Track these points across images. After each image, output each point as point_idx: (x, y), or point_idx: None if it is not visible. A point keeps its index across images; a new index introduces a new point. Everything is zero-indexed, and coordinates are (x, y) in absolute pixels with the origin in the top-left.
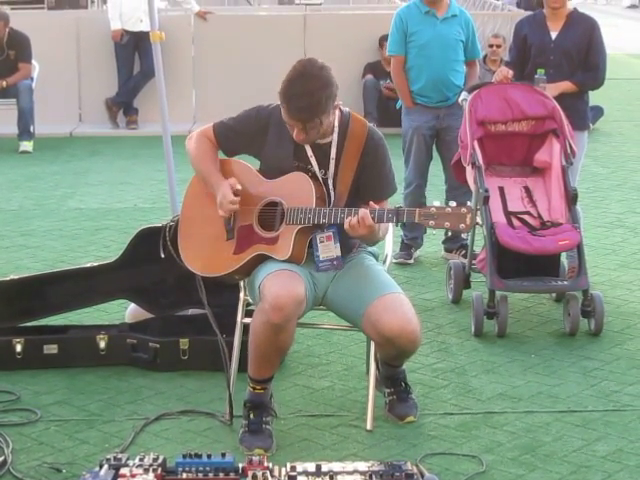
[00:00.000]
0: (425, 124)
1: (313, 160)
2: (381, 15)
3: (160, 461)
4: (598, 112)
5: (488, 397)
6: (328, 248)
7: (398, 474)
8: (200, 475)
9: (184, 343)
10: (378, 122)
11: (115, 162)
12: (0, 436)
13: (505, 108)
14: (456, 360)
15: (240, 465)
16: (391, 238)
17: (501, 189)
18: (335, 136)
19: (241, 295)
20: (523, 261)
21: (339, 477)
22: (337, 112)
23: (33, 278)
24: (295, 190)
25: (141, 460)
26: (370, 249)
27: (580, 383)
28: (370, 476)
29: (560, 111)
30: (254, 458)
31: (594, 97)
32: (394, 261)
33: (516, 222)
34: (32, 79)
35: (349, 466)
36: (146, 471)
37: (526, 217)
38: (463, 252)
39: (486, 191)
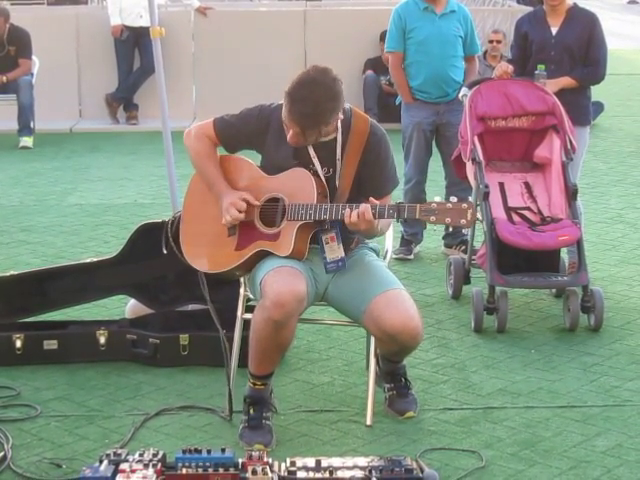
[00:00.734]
0: (425, 120)
1: (316, 160)
2: (381, 10)
3: (160, 456)
4: (598, 107)
5: (488, 392)
6: (333, 249)
7: (398, 469)
8: (200, 470)
9: (184, 339)
10: (378, 118)
11: (115, 158)
12: (0, 432)
13: (505, 104)
14: (456, 355)
15: (240, 460)
16: (391, 234)
17: (501, 185)
18: (339, 134)
19: (241, 290)
20: (523, 257)
21: (339, 472)
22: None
23: (33, 274)
24: (296, 186)
25: (141, 455)
26: (371, 245)
27: (580, 378)
28: (370, 471)
29: (560, 107)
30: (254, 453)
31: (594, 92)
32: (394, 257)
33: (516, 218)
34: (32, 75)
35: (349, 461)
36: (146, 466)
37: (526, 213)
38: (463, 248)
39: (486, 187)
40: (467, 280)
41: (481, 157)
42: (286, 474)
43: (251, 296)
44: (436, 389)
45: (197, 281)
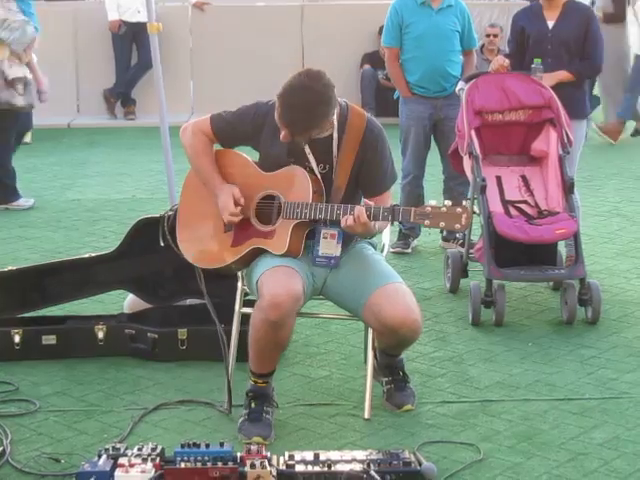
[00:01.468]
0: (423, 114)
1: (311, 157)
2: (379, 5)
3: (158, 451)
4: (595, 101)
5: (486, 385)
6: (330, 245)
7: (396, 462)
8: (198, 464)
9: (182, 333)
10: (376, 112)
11: (113, 153)
12: None
13: (502, 98)
14: (454, 349)
15: (238, 454)
16: (388, 228)
17: (498, 178)
18: (335, 130)
19: (239, 285)
20: (520, 250)
21: (337, 466)
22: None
23: (31, 269)
24: (292, 184)
25: (140, 450)
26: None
27: (577, 371)
28: (368, 464)
29: (557, 100)
30: (252, 447)
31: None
32: (392, 251)
33: (513, 211)
34: None
35: (347, 454)
36: (145, 461)
37: (523, 206)
38: (461, 241)
39: (483, 180)
40: (465, 274)
41: (478, 151)
42: (284, 467)
43: (248, 291)
44: (434, 382)
45: (195, 276)
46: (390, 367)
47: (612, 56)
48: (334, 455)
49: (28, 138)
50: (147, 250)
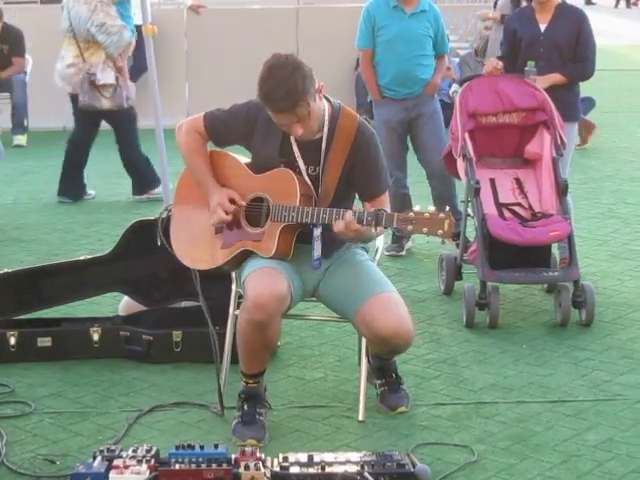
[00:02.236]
0: (393, 117)
1: (300, 160)
2: None
3: (153, 452)
4: (590, 103)
5: (480, 387)
6: (318, 248)
7: (390, 464)
8: (193, 466)
9: (177, 335)
10: (370, 114)
11: (109, 155)
12: None
13: (496, 100)
14: (448, 351)
15: (233, 456)
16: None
17: (492, 181)
18: (325, 131)
19: (233, 287)
20: (514, 252)
21: (331, 467)
22: (327, 106)
23: (27, 271)
24: (280, 186)
25: (134, 451)
26: (361, 244)
27: (571, 373)
28: (362, 466)
29: (550, 103)
30: (247, 449)
31: (585, 88)
32: (386, 253)
33: (507, 213)
34: (25, 73)
35: (341, 456)
36: (139, 462)
37: (517, 208)
38: (457, 241)
39: (477, 183)
40: (459, 276)
41: (472, 153)
42: (279, 469)
43: (242, 293)
44: (428, 384)
45: (190, 278)
46: (383, 369)
47: None
48: (328, 457)
49: (23, 141)
50: (142, 252)
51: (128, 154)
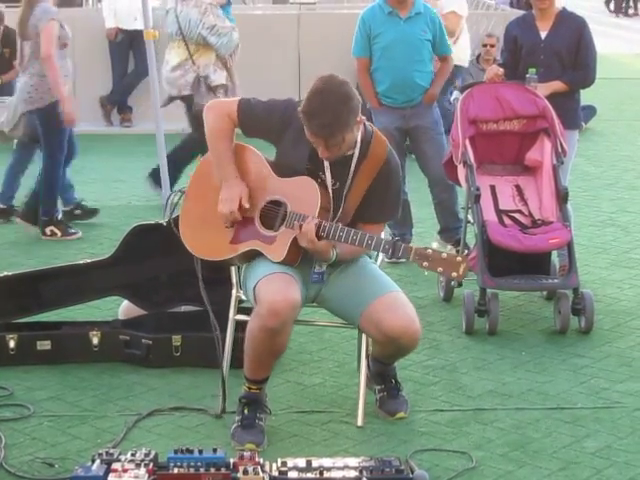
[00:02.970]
0: (391, 125)
1: (327, 170)
2: None
3: (152, 456)
4: (591, 111)
5: (478, 394)
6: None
7: (388, 470)
8: (191, 470)
9: (177, 340)
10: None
11: (109, 160)
12: None
13: (497, 107)
14: (447, 357)
15: (231, 460)
16: (383, 234)
17: (492, 187)
18: (357, 151)
19: (233, 292)
20: (514, 259)
21: (329, 473)
22: (361, 127)
23: (27, 275)
24: (301, 195)
25: (133, 455)
26: None
27: (570, 380)
28: (360, 472)
29: (551, 110)
30: (245, 453)
31: (586, 96)
32: (386, 260)
33: (507, 220)
34: None
35: (339, 462)
36: (138, 466)
37: (517, 215)
38: (457, 248)
39: (477, 190)
40: (459, 282)
41: (472, 160)
42: (277, 474)
43: (243, 297)
44: (427, 390)
45: (190, 282)
46: (383, 375)
47: None
48: (327, 462)
49: None
50: (142, 257)
51: None
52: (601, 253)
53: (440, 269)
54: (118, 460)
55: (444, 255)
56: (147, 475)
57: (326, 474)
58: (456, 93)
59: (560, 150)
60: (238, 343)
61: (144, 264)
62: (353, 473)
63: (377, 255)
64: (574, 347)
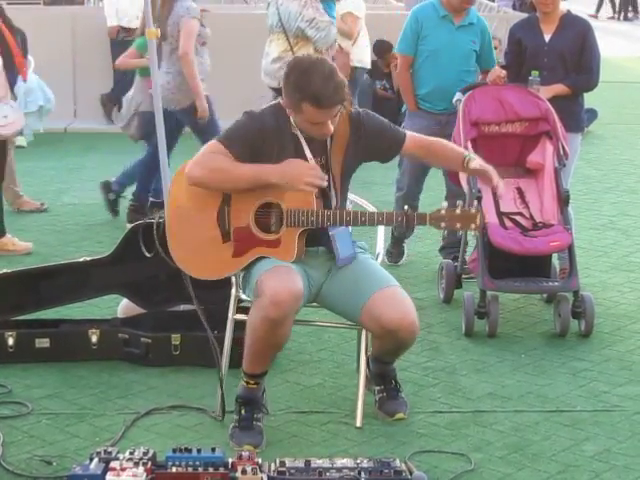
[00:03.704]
0: (426, 129)
1: (307, 150)
2: (376, 16)
3: (150, 455)
4: (592, 115)
5: (478, 396)
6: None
7: (387, 471)
8: (190, 469)
9: (176, 338)
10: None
11: (110, 158)
12: None
13: (499, 109)
14: (446, 359)
15: (230, 460)
16: (382, 236)
17: (494, 189)
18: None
19: (233, 291)
20: (514, 261)
21: (328, 473)
22: None
23: (26, 272)
24: (293, 191)
25: (131, 454)
26: (359, 243)
27: (569, 383)
28: (359, 473)
29: (553, 113)
30: (244, 453)
31: (588, 100)
32: (386, 262)
33: (508, 223)
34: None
35: (338, 462)
36: (136, 465)
37: (518, 218)
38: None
39: (479, 192)
40: (459, 284)
41: None
42: (275, 474)
43: (243, 297)
44: (426, 392)
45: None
46: (383, 376)
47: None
48: (325, 463)
49: (24, 142)
50: (142, 255)
51: None
52: (601, 256)
53: (458, 225)
54: (116, 459)
55: (458, 211)
56: (145, 474)
57: (324, 475)
58: (458, 94)
59: (562, 153)
60: (237, 343)
61: (144, 263)
62: (352, 474)
63: (377, 255)
64: (574, 350)
